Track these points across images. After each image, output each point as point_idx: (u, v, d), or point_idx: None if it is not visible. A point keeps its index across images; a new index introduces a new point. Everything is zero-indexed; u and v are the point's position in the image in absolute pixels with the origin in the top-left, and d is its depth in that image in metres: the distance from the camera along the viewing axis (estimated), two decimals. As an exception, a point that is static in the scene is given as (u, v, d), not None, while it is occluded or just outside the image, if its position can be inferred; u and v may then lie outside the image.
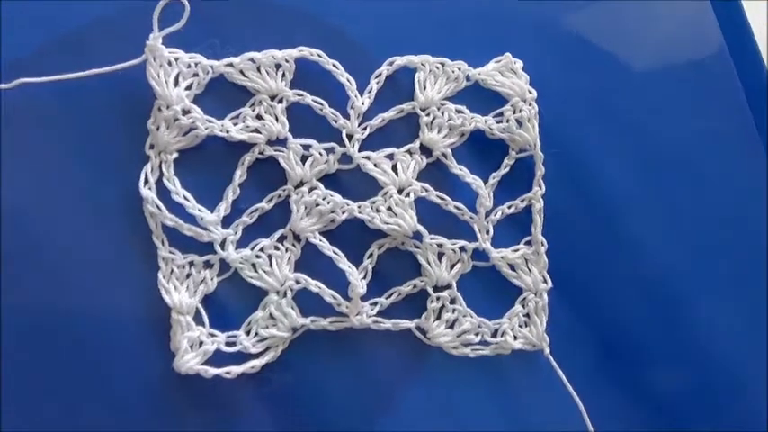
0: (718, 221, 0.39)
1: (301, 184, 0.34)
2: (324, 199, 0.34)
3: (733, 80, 0.40)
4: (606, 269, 0.37)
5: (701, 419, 0.37)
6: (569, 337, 0.36)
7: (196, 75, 0.34)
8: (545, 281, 0.36)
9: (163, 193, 0.33)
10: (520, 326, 0.35)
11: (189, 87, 0.34)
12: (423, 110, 0.36)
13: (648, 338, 0.37)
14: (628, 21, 0.40)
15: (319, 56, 0.35)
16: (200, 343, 0.32)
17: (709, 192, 0.39)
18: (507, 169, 0.36)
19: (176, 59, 0.33)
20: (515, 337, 0.35)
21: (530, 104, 0.37)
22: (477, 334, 0.35)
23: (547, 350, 0.35)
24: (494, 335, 0.35)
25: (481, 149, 0.37)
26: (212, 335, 0.33)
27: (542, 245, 0.36)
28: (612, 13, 0.40)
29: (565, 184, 0.37)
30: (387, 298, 0.35)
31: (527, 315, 0.36)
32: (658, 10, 0.41)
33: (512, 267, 0.36)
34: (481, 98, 0.37)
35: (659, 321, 0.37)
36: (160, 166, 0.33)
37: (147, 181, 0.33)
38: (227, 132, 0.34)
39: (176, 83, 0.33)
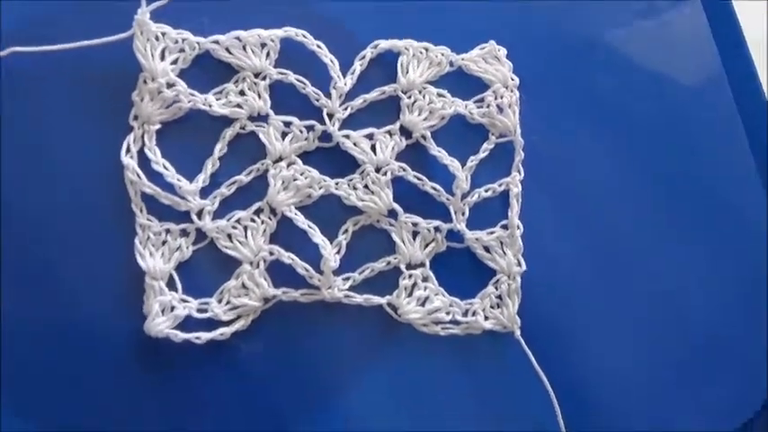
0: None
1: (280, 159, 0.35)
2: (301, 174, 0.35)
3: (730, 106, 0.40)
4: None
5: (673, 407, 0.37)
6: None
7: (182, 50, 0.35)
8: (519, 264, 0.36)
9: (145, 164, 0.34)
10: (492, 307, 0.36)
11: (175, 62, 0.35)
12: (404, 92, 0.36)
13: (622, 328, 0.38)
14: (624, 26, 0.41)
15: (304, 36, 0.36)
16: (172, 308, 0.33)
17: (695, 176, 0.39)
18: (486, 153, 0.37)
19: (163, 34, 0.34)
20: (486, 318, 0.35)
21: (511, 91, 0.37)
22: (448, 313, 0.35)
23: (517, 332, 0.35)
24: (465, 314, 0.35)
25: (463, 134, 0.37)
26: (184, 300, 0.33)
27: (518, 228, 0.36)
28: (607, 20, 0.40)
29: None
30: (359, 273, 0.35)
31: (499, 297, 0.36)
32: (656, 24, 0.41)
33: (486, 250, 0.36)
34: (465, 84, 0.38)
35: (634, 316, 0.38)
36: (143, 137, 0.34)
37: (128, 150, 0.34)
38: (210, 106, 0.34)
39: (162, 57, 0.34)
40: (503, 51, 0.38)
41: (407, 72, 0.37)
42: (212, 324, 0.33)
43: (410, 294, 0.35)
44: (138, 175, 0.33)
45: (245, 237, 0.34)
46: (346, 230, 0.35)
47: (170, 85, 0.34)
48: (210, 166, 0.34)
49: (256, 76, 0.35)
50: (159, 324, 0.32)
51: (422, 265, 0.36)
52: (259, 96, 0.35)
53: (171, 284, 0.33)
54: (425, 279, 0.35)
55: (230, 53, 0.35)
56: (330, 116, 0.36)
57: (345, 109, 0.36)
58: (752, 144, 0.39)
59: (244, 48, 0.35)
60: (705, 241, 0.39)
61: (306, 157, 0.36)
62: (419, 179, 0.36)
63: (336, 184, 0.35)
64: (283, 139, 0.35)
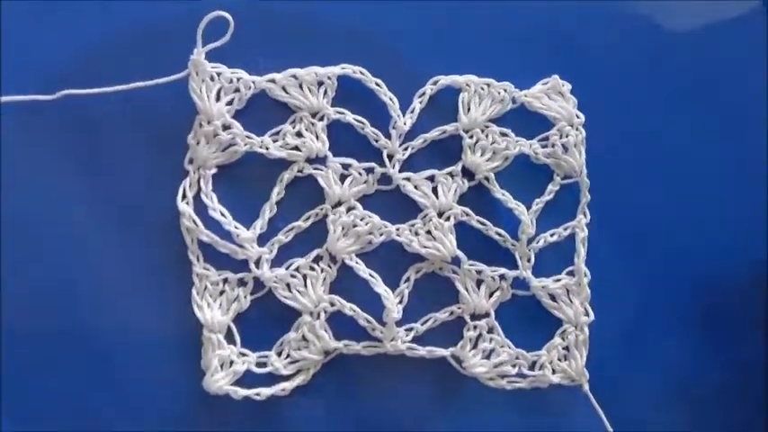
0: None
1: (339, 203, 0.34)
2: (362, 220, 0.34)
3: None
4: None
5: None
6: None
7: (238, 90, 0.33)
8: (587, 313, 0.34)
9: (200, 208, 0.33)
10: (559, 359, 0.34)
11: (230, 102, 0.33)
12: (466, 131, 0.35)
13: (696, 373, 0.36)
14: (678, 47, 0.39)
15: (362, 73, 0.34)
16: (231, 362, 0.32)
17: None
18: (552, 195, 0.35)
19: (219, 74, 0.33)
20: (554, 371, 0.34)
21: (577, 129, 0.35)
22: (514, 366, 0.34)
23: (586, 386, 0.34)
24: (531, 367, 0.34)
25: (525, 174, 0.36)
26: (243, 354, 0.32)
27: (585, 276, 0.35)
28: (660, 41, 0.39)
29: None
30: (422, 324, 0.34)
31: (566, 348, 0.34)
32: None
33: (552, 298, 0.35)
34: (527, 121, 0.36)
35: (707, 356, 0.36)
36: (198, 182, 0.33)
37: (184, 196, 0.32)
38: (267, 149, 0.33)
39: (218, 98, 0.33)
40: (567, 86, 0.36)
41: (469, 110, 0.35)
42: (272, 378, 0.32)
43: (475, 346, 0.34)
44: (194, 222, 0.32)
45: (305, 286, 0.33)
46: (408, 279, 0.34)
47: (226, 128, 0.33)
48: (268, 211, 0.33)
49: (314, 115, 0.34)
50: (219, 380, 0.31)
51: (486, 315, 0.34)
52: (317, 137, 0.34)
53: (229, 337, 0.32)
54: (491, 330, 0.34)
55: (287, 92, 0.34)
56: (390, 157, 0.34)
57: (405, 149, 0.34)
58: None
59: (300, 86, 0.34)
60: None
61: (365, 200, 0.34)
62: (482, 224, 0.34)
63: (398, 229, 0.34)
64: (342, 183, 0.34)
